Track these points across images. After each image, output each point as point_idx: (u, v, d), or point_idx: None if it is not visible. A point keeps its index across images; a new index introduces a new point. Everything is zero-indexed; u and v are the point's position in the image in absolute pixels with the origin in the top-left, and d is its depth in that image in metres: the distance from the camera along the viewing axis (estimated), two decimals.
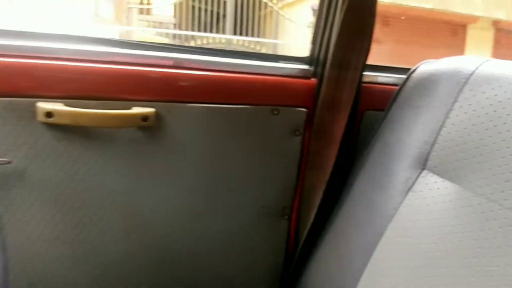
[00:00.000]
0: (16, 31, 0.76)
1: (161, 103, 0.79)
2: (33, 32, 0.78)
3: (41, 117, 0.72)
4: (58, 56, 0.75)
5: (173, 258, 0.91)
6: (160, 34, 6.94)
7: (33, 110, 0.72)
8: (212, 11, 7.34)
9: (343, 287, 0.77)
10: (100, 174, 0.80)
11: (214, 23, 7.26)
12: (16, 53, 0.72)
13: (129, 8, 7.14)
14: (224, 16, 7.17)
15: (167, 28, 7.25)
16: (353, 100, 0.84)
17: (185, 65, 0.81)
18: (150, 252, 0.88)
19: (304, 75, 0.89)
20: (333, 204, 0.88)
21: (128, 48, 0.80)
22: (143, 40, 0.89)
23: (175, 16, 7.44)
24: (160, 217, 0.87)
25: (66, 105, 0.73)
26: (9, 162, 0.73)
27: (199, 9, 7.37)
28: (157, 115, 0.79)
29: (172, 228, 0.88)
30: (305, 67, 0.90)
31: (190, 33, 6.88)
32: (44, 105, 0.72)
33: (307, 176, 0.92)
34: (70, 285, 0.85)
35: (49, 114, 0.72)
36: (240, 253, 0.96)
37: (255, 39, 6.80)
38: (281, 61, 0.90)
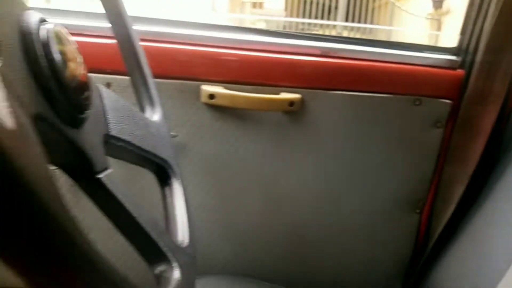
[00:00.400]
0: (185, 21, 0.87)
1: (306, 89, 0.84)
2: (197, 22, 0.88)
3: (204, 98, 0.82)
4: (219, 44, 0.84)
5: (304, 237, 0.96)
6: (270, 27, 7.08)
7: (197, 92, 0.82)
8: (323, 4, 7.29)
9: (480, 286, 0.74)
10: (247, 152, 0.87)
11: (325, 15, 7.21)
12: (185, 41, 0.82)
13: (243, 2, 7.40)
14: (336, 8, 7.08)
15: (278, 21, 7.37)
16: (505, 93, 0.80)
17: (331, 54, 0.84)
18: (284, 228, 0.94)
19: (450, 65, 0.87)
20: (472, 200, 0.85)
21: (279, 38, 0.86)
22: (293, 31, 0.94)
23: (286, 9, 7.54)
24: (297, 198, 0.92)
25: (225, 88, 0.82)
26: (174, 136, 0.84)
27: (311, 2, 7.36)
28: (302, 101, 0.84)
29: (306, 209, 0.93)
30: (452, 57, 0.88)
31: (300, 20, 6.90)
32: (208, 88, 0.81)
33: (446, 170, 0.90)
34: (211, 249, 0.94)
35: (211, 96, 0.81)
36: (367, 242, 0.98)
37: (367, 25, 6.58)
38: (425, 51, 0.89)
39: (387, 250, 0.99)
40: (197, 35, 0.84)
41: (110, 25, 0.56)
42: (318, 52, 0.85)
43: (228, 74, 0.83)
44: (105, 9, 0.55)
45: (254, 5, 7.42)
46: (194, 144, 0.86)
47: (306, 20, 6.78)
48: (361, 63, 0.85)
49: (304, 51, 0.85)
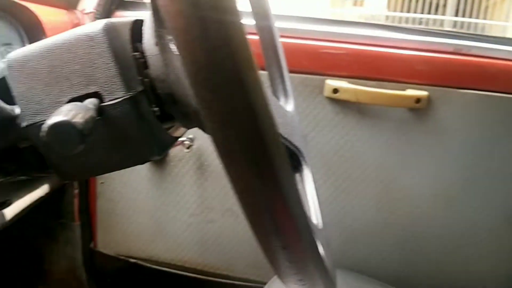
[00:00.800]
0: (311, 17, 0.89)
1: (434, 87, 0.82)
2: (323, 18, 0.90)
3: (328, 93, 0.84)
4: (343, 39, 0.85)
5: (417, 239, 0.93)
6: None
7: (321, 86, 0.84)
8: (430, 2, 6.91)
9: None
10: (366, 147, 0.88)
11: (432, 13, 6.82)
12: (311, 36, 0.85)
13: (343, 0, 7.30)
14: (444, 5, 6.66)
15: (378, 19, 7.17)
16: None
17: (464, 51, 0.81)
18: (397, 228, 0.93)
19: None
20: None
21: (406, 34, 0.85)
22: (421, 27, 0.92)
23: (388, 7, 7.28)
24: (414, 198, 0.90)
25: (349, 83, 0.83)
26: None
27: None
28: (429, 98, 0.82)
29: (422, 211, 0.91)
30: None
31: (401, 14, 6.61)
32: (332, 82, 0.83)
33: None
34: None
35: (335, 90, 0.82)
36: (487, 253, 0.92)
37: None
38: None
39: (510, 263, 0.93)
40: (323, 31, 0.86)
41: (254, 22, 0.60)
42: (449, 49, 0.82)
43: (352, 69, 0.84)
44: (252, 7, 0.60)
45: (355, 2, 7.28)
46: (313, 136, 0.88)
47: (412, 15, 6.46)
48: (496, 62, 0.81)
49: (433, 47, 0.83)
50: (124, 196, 1.01)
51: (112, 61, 0.34)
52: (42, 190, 0.75)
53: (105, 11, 0.82)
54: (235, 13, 0.20)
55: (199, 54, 0.19)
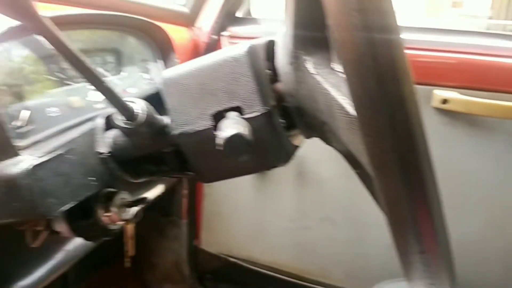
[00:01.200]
0: (414, 27, 0.88)
1: None
2: (426, 27, 0.88)
3: (436, 103, 0.82)
4: (452, 49, 0.82)
5: None
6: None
7: (428, 96, 0.83)
8: None
9: None
10: (476, 160, 0.84)
11: None
12: (416, 46, 0.84)
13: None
14: None
15: (482, 27, 6.69)
16: None
17: None
18: (505, 245, 0.87)
19: None
20: None
21: None
22: None
23: (492, 8, 6.76)
24: None
25: (459, 94, 0.80)
26: None
27: None
28: None
29: None
30: None
31: (505, 22, 6.08)
32: (441, 93, 0.81)
33: None
34: None
35: (444, 100, 0.81)
36: None
37: None
38: None
39: None
40: (430, 40, 0.84)
41: None
42: None
43: (462, 79, 0.81)
44: None
45: (455, 4, 6.88)
46: None
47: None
48: None
49: None
50: (228, 198, 1.07)
51: (253, 79, 0.38)
52: (159, 189, 0.84)
53: (221, 28, 0.89)
54: (398, 32, 0.23)
55: (368, 79, 0.22)
